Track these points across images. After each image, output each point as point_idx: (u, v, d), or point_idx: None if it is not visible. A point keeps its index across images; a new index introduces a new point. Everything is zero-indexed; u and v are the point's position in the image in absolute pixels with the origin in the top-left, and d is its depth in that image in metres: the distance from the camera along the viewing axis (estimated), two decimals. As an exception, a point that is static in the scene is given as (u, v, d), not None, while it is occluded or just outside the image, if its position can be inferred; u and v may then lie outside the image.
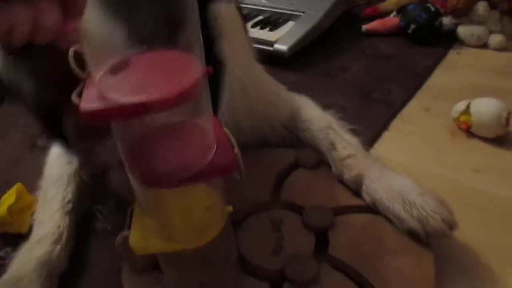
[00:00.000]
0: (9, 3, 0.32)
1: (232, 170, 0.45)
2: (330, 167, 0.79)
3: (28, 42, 0.36)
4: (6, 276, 0.66)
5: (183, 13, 0.38)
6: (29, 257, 0.68)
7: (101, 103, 0.37)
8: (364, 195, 0.73)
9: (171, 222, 0.50)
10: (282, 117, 0.88)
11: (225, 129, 0.48)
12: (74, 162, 0.81)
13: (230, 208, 0.52)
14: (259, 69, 0.86)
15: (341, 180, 0.77)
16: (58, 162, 0.82)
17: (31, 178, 0.89)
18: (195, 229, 0.50)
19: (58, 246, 0.70)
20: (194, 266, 0.54)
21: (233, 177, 0.47)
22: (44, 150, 1.01)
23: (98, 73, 0.39)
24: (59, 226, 0.72)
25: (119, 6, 0.44)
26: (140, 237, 0.50)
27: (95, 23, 0.42)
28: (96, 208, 0.81)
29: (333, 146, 0.81)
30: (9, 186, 0.91)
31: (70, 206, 0.76)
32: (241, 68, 0.75)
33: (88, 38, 0.40)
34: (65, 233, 0.72)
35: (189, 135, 0.46)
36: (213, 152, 0.45)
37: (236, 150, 0.46)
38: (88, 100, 0.38)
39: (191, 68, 0.40)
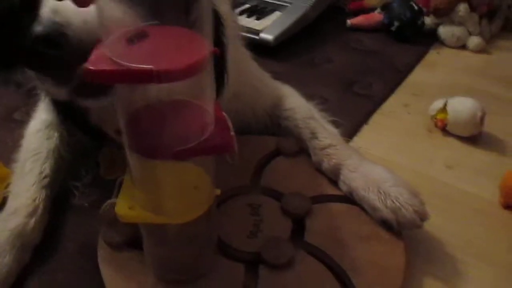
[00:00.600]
0: None
1: (228, 149, 0.46)
2: (310, 156, 0.81)
3: None
4: None
5: None
6: (2, 228, 0.67)
7: (109, 65, 0.38)
8: (341, 185, 0.75)
9: (160, 195, 0.50)
10: (265, 104, 0.89)
11: (224, 113, 0.49)
12: (54, 137, 0.80)
13: (218, 192, 0.52)
14: (245, 54, 0.86)
15: (319, 169, 0.79)
16: (37, 136, 0.80)
17: (7, 151, 0.87)
18: (182, 205, 0.50)
19: (33, 219, 0.69)
20: (177, 244, 0.55)
21: (225, 158, 0.47)
22: (21, 123, 0.99)
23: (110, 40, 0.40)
24: (34, 199, 0.71)
25: None
26: (127, 206, 0.50)
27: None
28: (73, 184, 0.80)
29: (313, 135, 0.82)
30: (-19, 157, 0.90)
31: (47, 180, 0.75)
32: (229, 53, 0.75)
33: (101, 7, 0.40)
34: (41, 206, 0.71)
35: (189, 112, 0.47)
36: (211, 130, 0.46)
37: (233, 133, 0.47)
38: (97, 61, 0.39)
39: (199, 46, 0.41)
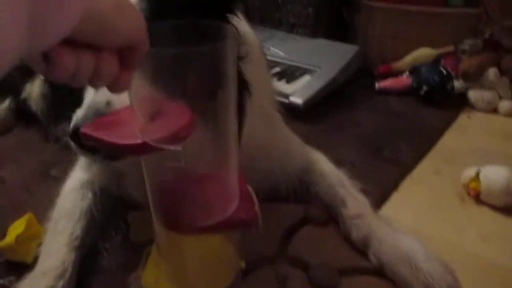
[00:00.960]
0: (78, 49, 0.36)
1: (251, 224, 0.47)
2: (339, 224, 0.80)
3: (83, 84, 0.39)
4: None
5: (224, 74, 0.42)
6: None
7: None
8: (371, 257, 0.74)
9: (184, 267, 0.51)
10: (295, 167, 0.90)
11: (248, 186, 0.50)
12: (88, 197, 0.82)
13: (243, 264, 0.52)
14: (277, 118, 0.88)
15: (348, 239, 0.78)
16: (71, 196, 0.83)
17: (42, 208, 0.90)
18: (206, 278, 0.50)
19: (61, 282, 0.70)
20: None
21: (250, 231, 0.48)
22: (58, 180, 1.03)
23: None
24: (64, 261, 0.72)
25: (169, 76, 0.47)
26: (153, 278, 0.51)
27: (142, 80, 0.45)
28: (103, 245, 0.81)
29: (343, 203, 0.82)
30: (17, 213, 0.92)
31: (77, 242, 0.77)
32: (262, 113, 0.77)
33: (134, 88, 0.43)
34: (69, 269, 0.72)
35: (215, 186, 0.48)
36: (236, 205, 0.46)
37: (257, 207, 0.47)
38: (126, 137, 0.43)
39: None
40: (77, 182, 0.86)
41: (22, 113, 1.33)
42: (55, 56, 0.34)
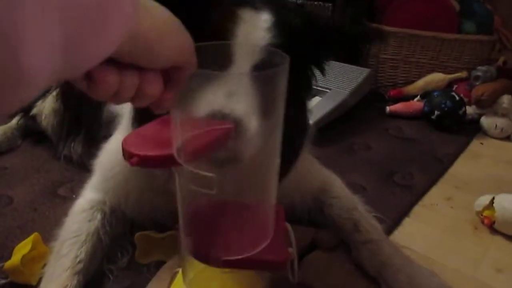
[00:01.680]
0: (122, 69, 0.36)
1: (281, 268, 0.44)
2: (348, 250, 0.78)
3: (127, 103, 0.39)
4: None
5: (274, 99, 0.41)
6: None
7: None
8: (382, 285, 0.72)
9: None
10: (312, 187, 0.89)
11: (287, 224, 0.48)
12: (97, 219, 0.81)
13: None
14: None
15: (360, 265, 0.76)
16: (80, 217, 0.81)
17: (48, 227, 0.89)
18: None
19: None
20: None
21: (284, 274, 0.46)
22: (65, 199, 1.02)
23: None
24: (65, 286, 0.70)
25: None
26: None
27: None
28: (108, 267, 0.80)
29: (356, 227, 0.80)
30: (23, 232, 0.92)
31: (80, 266, 0.74)
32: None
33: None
34: None
35: (248, 217, 0.47)
36: (267, 243, 0.45)
37: (293, 249, 0.45)
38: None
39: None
40: (87, 203, 0.84)
41: (30, 131, 1.34)
42: (98, 74, 0.34)
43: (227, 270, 0.45)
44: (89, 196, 0.86)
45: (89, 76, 0.34)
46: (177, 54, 0.38)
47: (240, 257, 0.43)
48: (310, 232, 0.82)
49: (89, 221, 0.80)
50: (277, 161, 0.45)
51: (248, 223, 0.47)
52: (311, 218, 0.89)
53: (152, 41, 0.36)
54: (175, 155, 0.42)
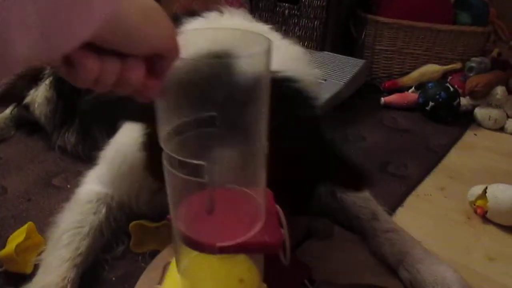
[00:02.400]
0: (103, 55, 0.35)
1: (275, 249, 0.45)
2: (343, 239, 0.79)
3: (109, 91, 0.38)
4: None
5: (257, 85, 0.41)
6: None
7: None
8: (403, 272, 0.74)
9: (203, 287, 0.49)
10: None
11: (277, 206, 0.48)
12: (101, 213, 0.80)
13: (264, 286, 0.51)
14: None
15: (377, 252, 0.77)
16: (84, 208, 0.80)
17: (42, 217, 0.89)
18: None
19: None
20: None
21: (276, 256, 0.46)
22: (59, 189, 1.02)
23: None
24: (64, 278, 0.70)
25: None
26: None
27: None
28: (103, 256, 0.80)
29: (375, 216, 0.82)
30: (16, 221, 0.92)
31: (80, 258, 0.74)
32: None
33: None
34: (69, 287, 0.69)
35: (240, 204, 0.47)
36: (260, 226, 0.45)
37: (285, 230, 0.46)
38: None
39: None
40: (92, 195, 0.82)
41: (23, 121, 1.33)
42: (78, 59, 0.34)
43: (221, 256, 0.45)
44: (95, 188, 0.84)
45: (68, 60, 0.34)
46: (160, 41, 0.38)
47: (235, 242, 0.43)
48: (305, 221, 0.82)
49: (94, 213, 0.79)
50: (264, 143, 0.44)
51: (241, 208, 0.47)
52: (321, 204, 0.89)
53: (135, 26, 0.35)
54: (161, 145, 0.42)
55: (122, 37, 0.35)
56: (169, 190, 0.45)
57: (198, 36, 0.47)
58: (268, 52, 0.40)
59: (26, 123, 1.33)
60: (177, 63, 0.40)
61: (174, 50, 0.39)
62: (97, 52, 0.35)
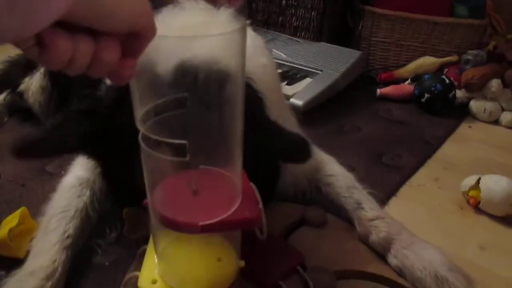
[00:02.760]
0: (76, 35, 0.34)
1: (255, 224, 0.46)
2: (336, 227, 0.79)
3: (82, 73, 0.37)
4: None
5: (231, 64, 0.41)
6: None
7: None
8: (391, 259, 0.74)
9: (182, 268, 0.49)
10: (305, 168, 0.89)
11: (251, 184, 0.49)
12: (86, 195, 0.81)
13: (242, 263, 0.51)
14: (292, 120, 0.88)
15: (365, 241, 0.78)
16: (69, 193, 0.81)
17: (36, 203, 0.89)
18: (204, 279, 0.49)
19: (50, 282, 0.67)
20: None
21: (254, 232, 0.47)
22: (53, 175, 1.02)
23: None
24: (54, 261, 0.70)
25: None
26: (150, 278, 0.50)
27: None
28: (97, 242, 0.80)
29: (359, 205, 0.82)
30: (10, 207, 0.91)
31: (69, 241, 0.74)
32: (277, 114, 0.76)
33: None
34: (59, 269, 0.70)
35: (217, 183, 0.47)
36: (238, 204, 0.45)
37: (261, 206, 0.46)
38: None
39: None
40: (75, 179, 0.83)
41: (17, 108, 1.32)
42: (48, 39, 0.32)
43: (198, 237, 0.45)
44: (78, 173, 0.85)
45: (39, 41, 0.32)
46: (136, 18, 0.36)
47: (216, 220, 0.44)
48: (297, 209, 0.83)
49: (78, 197, 0.80)
50: (240, 123, 0.45)
51: (218, 188, 0.47)
52: (307, 198, 0.90)
53: (111, 2, 0.34)
54: (137, 125, 0.42)
55: (97, 13, 0.33)
56: (145, 172, 0.45)
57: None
58: (243, 30, 0.40)
59: (19, 110, 1.32)
60: (153, 42, 0.39)
61: (150, 28, 0.38)
62: (70, 32, 0.33)
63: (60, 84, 1.19)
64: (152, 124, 0.42)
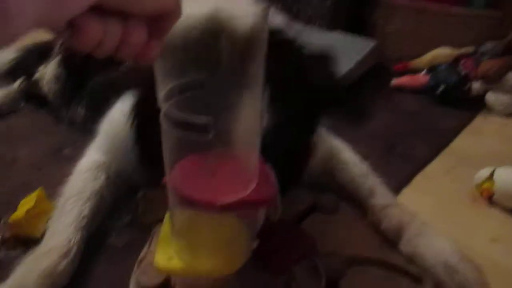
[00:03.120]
0: (106, 17, 0.35)
1: (271, 204, 0.46)
2: (348, 214, 0.79)
3: (110, 56, 0.38)
4: (10, 281, 0.66)
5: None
6: (33, 267, 0.68)
7: None
8: (403, 247, 0.75)
9: (198, 246, 0.50)
10: (319, 155, 0.89)
11: (268, 165, 0.49)
12: (101, 179, 0.83)
13: (256, 244, 0.52)
14: None
15: (377, 229, 0.78)
16: (84, 176, 0.83)
17: (52, 185, 0.91)
18: (220, 257, 0.50)
19: (65, 261, 0.70)
20: None
21: (267, 213, 0.48)
22: (70, 159, 1.03)
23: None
24: (69, 241, 0.72)
25: None
26: (165, 256, 0.51)
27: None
28: (111, 224, 0.81)
29: (372, 193, 0.83)
30: (27, 189, 0.93)
31: (84, 221, 0.76)
32: None
33: None
34: (74, 249, 0.72)
35: (234, 164, 0.48)
36: (255, 184, 0.46)
37: (276, 187, 0.47)
38: None
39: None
40: (91, 163, 0.86)
41: (32, 94, 1.35)
42: (81, 23, 0.33)
43: (215, 216, 0.46)
44: (93, 157, 0.87)
45: (71, 24, 0.33)
46: (163, 0, 0.37)
47: (234, 199, 0.45)
48: (309, 195, 0.83)
49: (94, 180, 0.82)
50: (259, 103, 0.46)
51: (236, 167, 0.48)
52: (320, 183, 0.91)
53: None
54: (159, 103, 0.43)
55: None
56: (165, 151, 0.46)
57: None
58: (266, 11, 0.40)
59: (35, 96, 1.35)
60: (178, 23, 0.39)
61: (177, 9, 0.39)
62: (100, 15, 0.34)
63: (75, 74, 1.21)
64: (174, 103, 0.43)
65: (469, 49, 1.61)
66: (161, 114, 0.44)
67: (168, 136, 0.45)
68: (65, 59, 1.22)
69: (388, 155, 1.12)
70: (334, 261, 0.68)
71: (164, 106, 0.43)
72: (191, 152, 0.45)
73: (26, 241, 0.78)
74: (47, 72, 1.27)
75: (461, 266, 0.69)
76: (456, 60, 1.60)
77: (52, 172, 1.00)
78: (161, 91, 0.43)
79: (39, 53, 1.34)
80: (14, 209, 0.84)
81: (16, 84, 1.37)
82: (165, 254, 0.51)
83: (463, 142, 1.23)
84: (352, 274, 0.68)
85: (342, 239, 0.75)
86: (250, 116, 0.45)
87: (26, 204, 0.82)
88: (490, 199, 0.95)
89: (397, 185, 0.98)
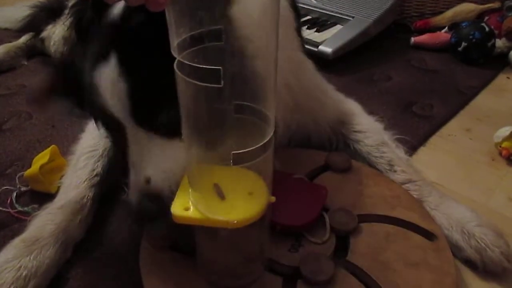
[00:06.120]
0: None
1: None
2: (360, 172, 0.78)
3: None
4: (25, 234, 0.67)
5: None
6: (49, 221, 0.68)
7: None
8: None
9: (214, 197, 0.50)
10: (329, 117, 0.88)
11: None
12: None
13: (273, 199, 0.52)
14: (308, 65, 0.84)
15: None
16: (96, 133, 0.81)
17: (66, 142, 0.92)
18: (234, 210, 0.50)
19: (79, 217, 0.71)
20: (227, 248, 0.56)
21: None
22: (81, 117, 1.04)
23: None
24: (83, 197, 0.73)
25: None
26: (182, 207, 0.51)
27: None
28: (124, 181, 0.82)
29: (391, 167, 0.81)
30: (42, 145, 0.95)
31: (97, 179, 0.77)
32: (289, 57, 0.74)
33: None
34: (88, 205, 0.73)
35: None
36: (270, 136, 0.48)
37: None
38: None
39: None
40: None
41: (37, 52, 1.36)
42: None
43: (231, 168, 0.46)
44: None
45: None
46: None
47: (246, 150, 0.45)
48: (322, 155, 0.82)
49: (106, 137, 0.81)
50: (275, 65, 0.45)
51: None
52: (333, 148, 0.89)
53: None
54: (172, 52, 0.42)
55: None
56: (181, 102, 0.46)
57: None
58: None
59: (39, 54, 1.35)
60: None
61: None
62: None
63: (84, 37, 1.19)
64: (186, 54, 0.42)
65: (494, 4, 1.53)
66: (175, 64, 0.43)
67: (182, 85, 0.44)
68: (77, 22, 1.20)
69: (404, 114, 1.10)
70: (344, 217, 0.67)
71: (177, 55, 0.42)
72: (205, 103, 0.45)
73: (41, 196, 0.79)
74: (55, 33, 1.25)
75: (478, 231, 0.68)
76: (480, 16, 1.53)
77: (65, 129, 1.01)
78: (174, 40, 0.42)
79: (50, 11, 1.32)
80: (29, 163, 0.85)
81: (22, 39, 1.36)
82: (182, 203, 0.51)
83: (483, 101, 1.19)
84: (362, 230, 0.67)
85: (354, 197, 0.74)
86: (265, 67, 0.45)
87: (40, 159, 0.83)
88: (509, 158, 0.93)
89: (413, 144, 0.96)
